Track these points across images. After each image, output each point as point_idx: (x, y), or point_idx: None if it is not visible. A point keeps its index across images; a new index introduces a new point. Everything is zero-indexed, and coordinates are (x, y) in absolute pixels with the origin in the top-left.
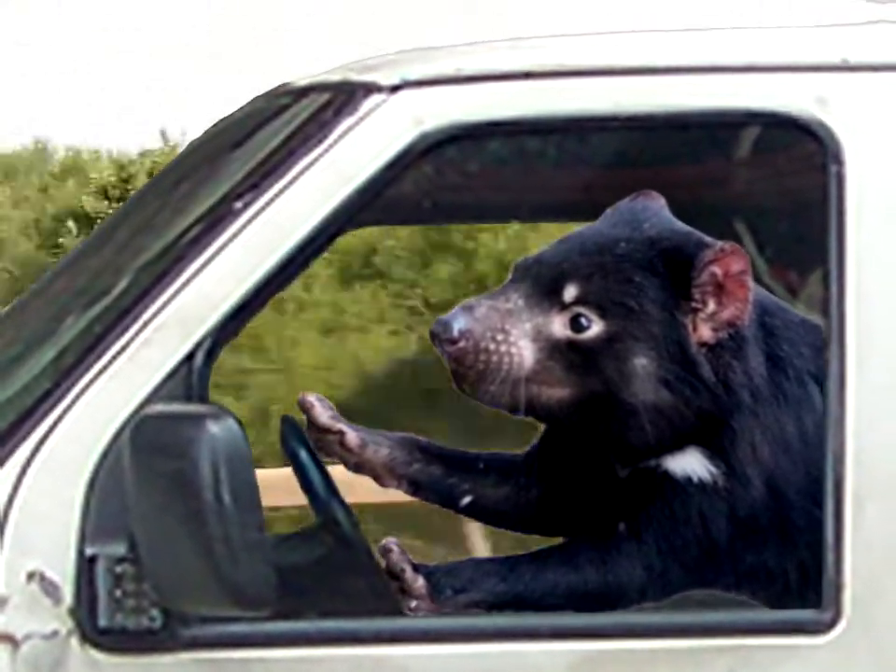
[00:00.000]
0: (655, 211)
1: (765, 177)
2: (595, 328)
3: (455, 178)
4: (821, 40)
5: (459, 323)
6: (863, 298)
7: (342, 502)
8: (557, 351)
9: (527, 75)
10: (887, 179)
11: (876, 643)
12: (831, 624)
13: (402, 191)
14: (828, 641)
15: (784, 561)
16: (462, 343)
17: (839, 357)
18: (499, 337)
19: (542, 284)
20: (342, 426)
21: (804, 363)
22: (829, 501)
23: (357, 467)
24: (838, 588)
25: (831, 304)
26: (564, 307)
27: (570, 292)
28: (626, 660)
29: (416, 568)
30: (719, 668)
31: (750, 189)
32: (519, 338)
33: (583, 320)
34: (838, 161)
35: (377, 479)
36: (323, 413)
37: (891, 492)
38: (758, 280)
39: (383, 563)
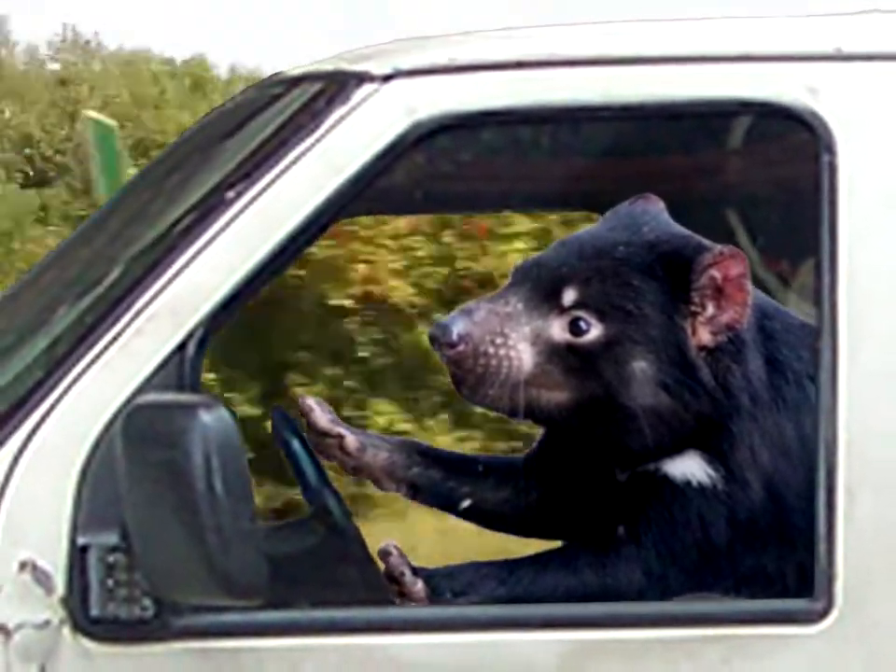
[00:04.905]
0: (654, 214)
1: (757, 167)
2: (594, 331)
3: (448, 168)
4: (814, 29)
5: (458, 326)
6: (855, 287)
7: (333, 491)
8: (556, 354)
9: (519, 64)
10: (878, 168)
11: (868, 632)
12: (823, 614)
13: (394, 181)
14: (820, 630)
15: (783, 564)
16: (461, 347)
17: (831, 347)
18: (498, 340)
19: (541, 287)
20: (341, 429)
21: (803, 366)
22: (821, 491)
23: (356, 470)
24: (830, 578)
25: (822, 293)
26: (563, 311)
27: (569, 296)
28: (619, 650)
29: (415, 572)
30: (711, 657)
31: (742, 178)
32: (518, 341)
33: (582, 324)
34: (830, 150)
35: (376, 482)
36: (322, 417)
37: (883, 481)
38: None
39: (382, 566)
